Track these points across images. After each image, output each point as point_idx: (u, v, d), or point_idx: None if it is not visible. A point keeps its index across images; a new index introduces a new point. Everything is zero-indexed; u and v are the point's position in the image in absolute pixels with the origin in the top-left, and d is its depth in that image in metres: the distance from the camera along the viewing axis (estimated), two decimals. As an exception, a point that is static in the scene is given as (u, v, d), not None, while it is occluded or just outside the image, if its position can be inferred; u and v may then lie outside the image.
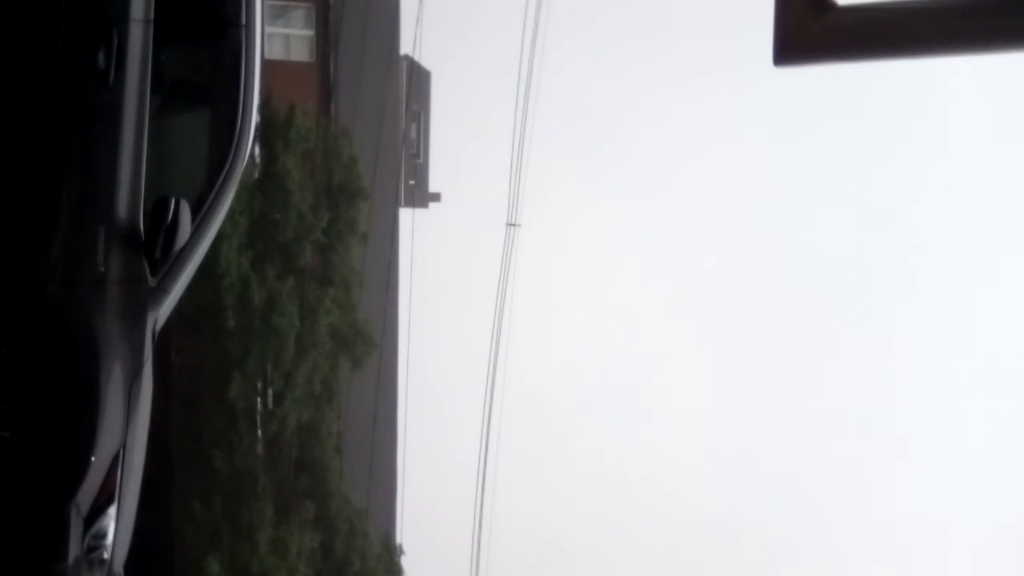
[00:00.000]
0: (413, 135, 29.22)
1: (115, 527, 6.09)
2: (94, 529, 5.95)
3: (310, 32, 22.95)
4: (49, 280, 5.87)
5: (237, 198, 9.40)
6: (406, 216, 25.81)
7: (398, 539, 22.37)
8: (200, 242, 6.45)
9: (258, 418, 19.34)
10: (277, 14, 22.29)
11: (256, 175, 18.87)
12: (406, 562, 22.06)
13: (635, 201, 39.12)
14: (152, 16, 6.02)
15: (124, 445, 5.98)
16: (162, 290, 6.22)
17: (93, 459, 5.83)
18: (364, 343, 20.35)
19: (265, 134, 18.70)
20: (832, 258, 39.79)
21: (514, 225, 21.03)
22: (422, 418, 26.87)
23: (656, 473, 32.49)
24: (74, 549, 5.87)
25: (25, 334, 5.81)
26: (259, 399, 19.36)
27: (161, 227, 6.07)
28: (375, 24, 24.20)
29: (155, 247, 6.08)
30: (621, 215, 38.02)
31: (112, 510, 6.02)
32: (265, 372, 19.11)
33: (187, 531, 18.41)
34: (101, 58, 5.84)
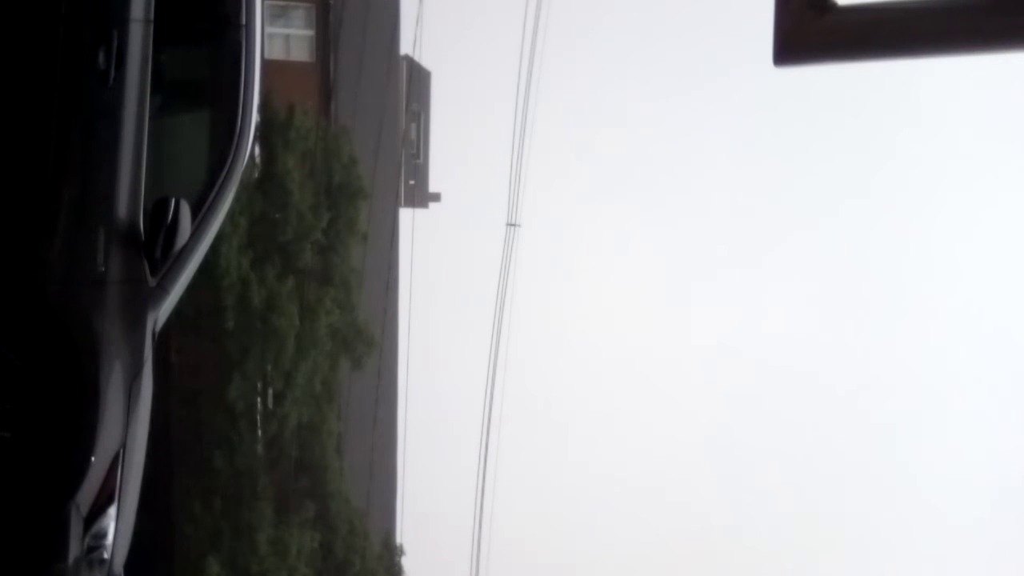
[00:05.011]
0: (413, 135, 29.22)
1: (115, 527, 6.08)
2: (94, 529, 5.95)
3: (310, 32, 22.95)
4: (49, 280, 5.87)
5: (237, 198, 9.40)
6: (406, 216, 25.83)
7: (398, 539, 22.40)
8: (200, 242, 6.45)
9: (258, 418, 19.34)
10: (277, 14, 22.29)
11: (256, 175, 18.88)
12: (406, 562, 22.10)
13: (635, 200, 39.13)
14: (152, 16, 6.02)
15: (124, 445, 5.98)
16: (162, 290, 6.21)
17: (93, 459, 5.83)
18: (364, 343, 20.35)
19: (265, 134, 18.71)
20: (833, 257, 39.79)
21: (514, 225, 21.03)
22: (422, 418, 26.87)
23: (657, 473, 32.49)
24: (74, 549, 5.87)
25: (25, 334, 5.81)
26: (259, 399, 19.36)
27: (161, 227, 6.07)
28: (375, 24, 24.20)
29: (155, 247, 6.08)
30: (621, 215, 38.04)
31: (112, 510, 6.02)
32: (265, 372, 19.11)
33: (187, 531, 18.42)
34: (101, 58, 5.84)
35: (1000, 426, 36.59)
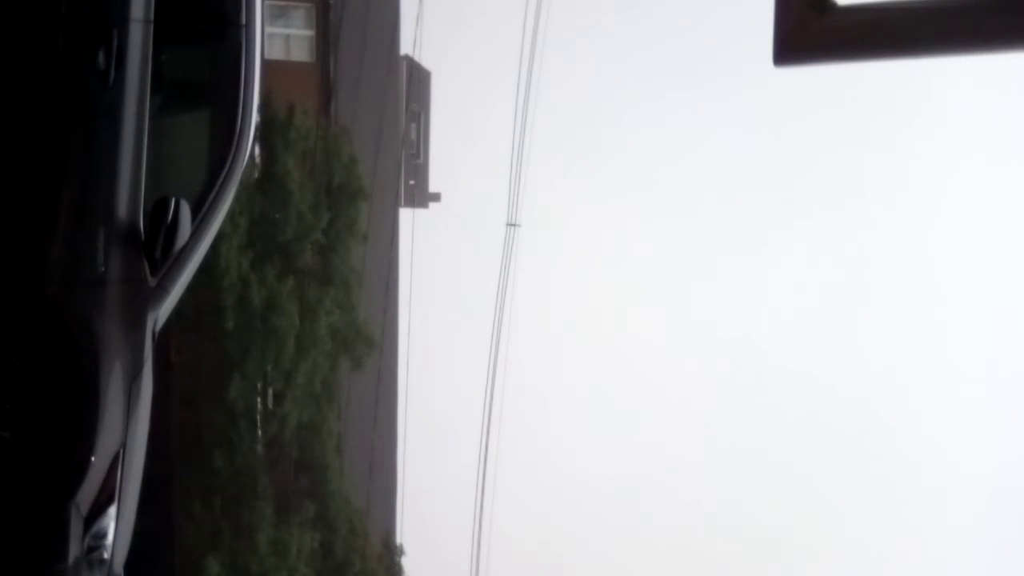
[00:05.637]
0: (413, 135, 29.23)
1: (115, 527, 6.08)
2: (94, 529, 5.95)
3: (310, 32, 22.95)
4: (49, 280, 5.87)
5: (237, 198, 9.41)
6: (406, 216, 25.84)
7: (398, 539, 22.40)
8: (200, 242, 6.45)
9: (258, 418, 19.34)
10: (277, 14, 22.29)
11: (256, 175, 18.88)
12: (406, 562, 22.10)
13: (635, 200, 39.14)
14: (152, 16, 6.01)
15: (124, 445, 5.98)
16: (162, 290, 6.21)
17: (93, 459, 5.83)
18: (364, 343, 20.36)
19: (265, 134, 18.71)
20: (833, 256, 39.80)
21: (514, 225, 21.03)
22: (422, 418, 26.89)
23: (657, 472, 32.51)
24: (74, 549, 5.87)
25: (25, 334, 5.81)
26: (259, 399, 19.36)
27: (161, 227, 6.07)
28: (375, 24, 24.20)
29: (155, 247, 6.08)
30: (621, 214, 38.05)
31: (112, 510, 6.02)
32: (265, 372, 19.12)
33: (187, 531, 18.42)
34: (101, 58, 5.84)
35: (1000, 423, 36.60)
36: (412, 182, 29.26)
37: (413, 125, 28.88)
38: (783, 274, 41.58)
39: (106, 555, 6.10)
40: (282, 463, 19.66)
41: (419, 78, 27.83)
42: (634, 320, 36.60)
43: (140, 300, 6.08)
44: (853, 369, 37.36)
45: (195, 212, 6.32)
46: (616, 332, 36.52)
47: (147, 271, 6.10)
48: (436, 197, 30.21)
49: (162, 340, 6.64)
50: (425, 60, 26.79)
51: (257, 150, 18.49)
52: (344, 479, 20.49)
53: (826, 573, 36.09)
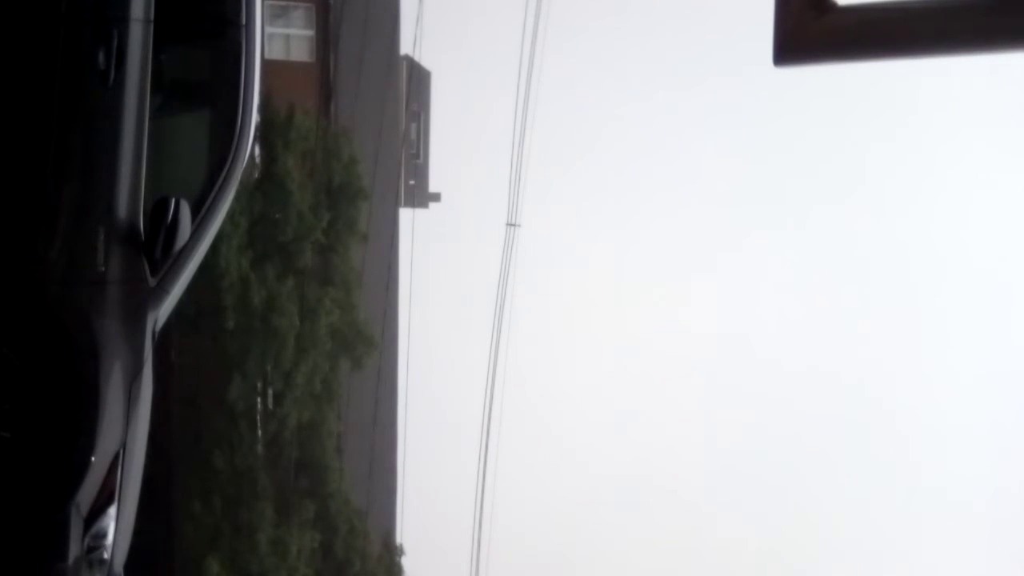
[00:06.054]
0: (413, 135, 29.23)
1: (115, 527, 6.09)
2: (94, 529, 5.96)
3: (310, 32, 22.95)
4: (49, 280, 5.87)
5: (237, 198, 9.41)
6: (406, 216, 25.84)
7: (398, 539, 22.40)
8: (200, 242, 6.45)
9: (258, 418, 19.34)
10: (277, 14, 22.30)
11: (256, 175, 18.88)
12: (406, 562, 22.10)
13: (635, 200, 39.13)
14: (152, 16, 6.02)
15: (124, 445, 5.99)
16: (162, 290, 6.22)
17: (93, 459, 5.83)
18: (364, 343, 20.36)
19: (265, 134, 18.71)
20: (835, 253, 39.80)
21: (514, 225, 21.04)
22: (422, 418, 26.87)
23: (657, 472, 32.50)
24: (74, 549, 5.87)
25: (25, 334, 5.81)
26: (259, 399, 19.36)
27: (161, 227, 6.07)
28: (375, 24, 24.20)
29: (155, 247, 6.08)
30: (621, 214, 38.04)
31: (112, 510, 6.03)
32: (265, 372, 19.12)
33: (187, 531, 18.42)
34: (101, 58, 5.84)
35: (1001, 422, 36.62)
36: (412, 182, 29.25)
37: (413, 125, 28.88)
38: (783, 273, 41.57)
39: (106, 555, 6.10)
40: (282, 463, 19.66)
41: (419, 78, 27.83)
42: (634, 319, 36.62)
43: (140, 300, 6.09)
44: (853, 368, 37.36)
45: (195, 212, 6.32)
46: (616, 332, 36.54)
47: (147, 271, 6.10)
48: (436, 197, 30.21)
49: (162, 340, 6.64)
50: (425, 60, 26.79)
51: (257, 150, 18.49)
52: (344, 479, 20.49)
53: (826, 573, 36.10)
